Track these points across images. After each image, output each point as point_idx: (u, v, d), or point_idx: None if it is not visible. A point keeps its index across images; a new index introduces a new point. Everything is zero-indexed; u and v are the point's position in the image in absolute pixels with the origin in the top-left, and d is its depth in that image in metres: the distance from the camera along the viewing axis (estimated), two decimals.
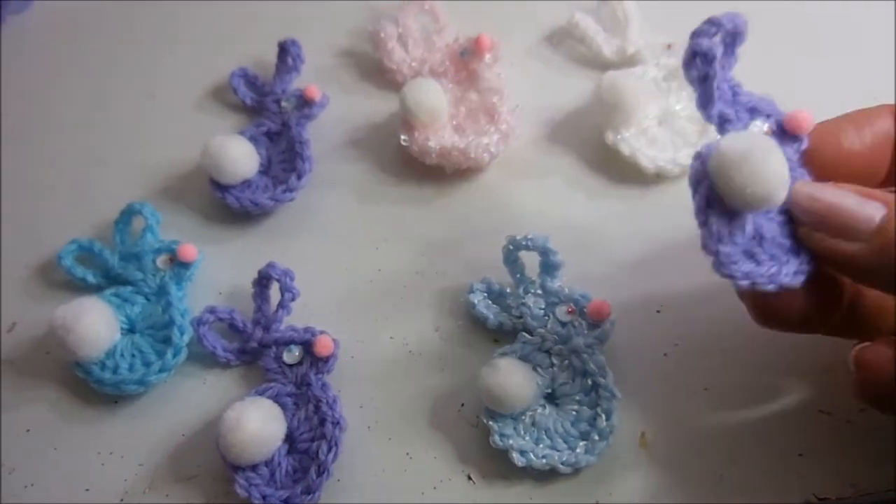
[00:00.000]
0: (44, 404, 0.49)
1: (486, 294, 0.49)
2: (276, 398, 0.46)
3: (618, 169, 0.54)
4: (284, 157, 0.56)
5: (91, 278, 0.52)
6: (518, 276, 0.48)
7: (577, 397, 0.45)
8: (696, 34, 0.37)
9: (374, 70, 0.61)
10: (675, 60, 0.56)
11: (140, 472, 0.46)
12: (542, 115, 0.58)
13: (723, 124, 0.39)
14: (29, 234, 0.56)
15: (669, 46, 0.57)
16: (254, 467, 0.44)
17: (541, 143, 0.57)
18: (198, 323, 0.49)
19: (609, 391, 0.44)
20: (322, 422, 0.45)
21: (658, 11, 0.60)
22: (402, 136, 0.54)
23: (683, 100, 0.55)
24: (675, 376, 0.46)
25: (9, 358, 0.51)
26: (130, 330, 0.50)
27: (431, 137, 0.54)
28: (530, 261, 0.49)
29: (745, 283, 0.36)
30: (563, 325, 0.47)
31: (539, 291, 0.48)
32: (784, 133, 0.39)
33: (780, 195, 0.36)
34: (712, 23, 0.37)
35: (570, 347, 0.46)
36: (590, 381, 0.45)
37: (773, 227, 0.37)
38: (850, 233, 0.36)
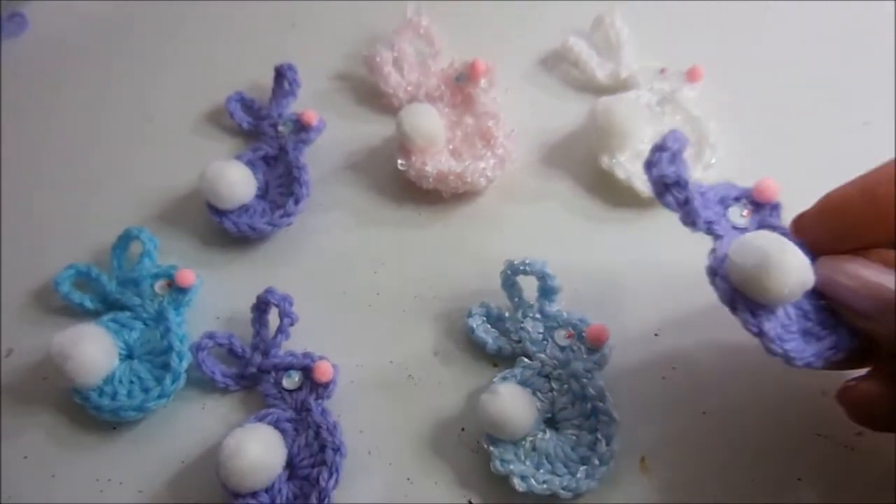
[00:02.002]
0: (41, 431, 0.49)
1: (484, 318, 0.49)
2: (275, 424, 0.46)
3: (613, 192, 0.54)
4: (282, 181, 0.56)
5: (88, 304, 0.52)
6: (516, 300, 0.49)
7: (577, 422, 0.45)
8: (653, 167, 0.39)
9: (370, 94, 0.61)
10: (669, 85, 0.57)
11: (139, 500, 0.46)
12: (536, 139, 0.58)
13: (710, 229, 0.40)
14: (25, 260, 0.56)
15: (663, 71, 0.58)
16: (254, 494, 0.44)
17: (536, 166, 0.57)
18: (196, 348, 0.49)
19: (609, 416, 0.44)
20: (322, 448, 0.45)
21: (651, 36, 0.60)
22: (399, 161, 0.55)
23: (677, 124, 0.56)
24: (673, 400, 0.46)
25: (5, 384, 0.51)
26: (129, 356, 0.50)
27: (428, 162, 0.54)
28: (528, 285, 0.49)
29: (820, 364, 0.38)
30: (562, 349, 0.47)
31: (538, 316, 0.48)
32: (760, 205, 0.41)
33: (807, 284, 0.37)
34: (662, 147, 0.38)
35: (569, 372, 0.46)
36: (589, 406, 0.45)
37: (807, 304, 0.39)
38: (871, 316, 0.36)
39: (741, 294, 0.37)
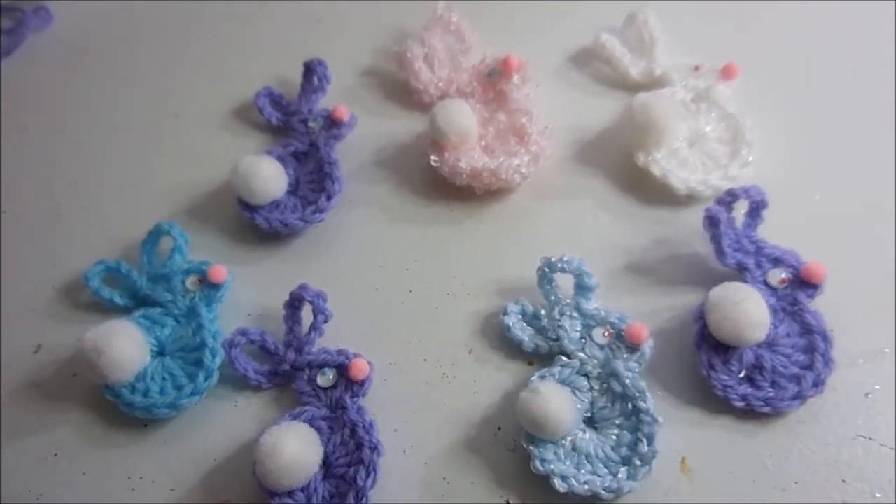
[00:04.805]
0: (71, 428, 0.48)
1: (520, 316, 0.49)
2: (310, 422, 0.45)
3: (648, 190, 0.54)
4: (313, 177, 0.55)
5: (119, 300, 0.51)
6: (552, 298, 0.48)
7: (618, 422, 0.44)
8: (715, 201, 0.48)
9: (400, 90, 0.61)
10: (704, 82, 0.56)
11: (172, 498, 0.46)
12: (568, 136, 0.57)
13: (741, 271, 0.48)
14: (55, 255, 0.55)
15: (697, 68, 0.57)
16: (290, 493, 0.43)
17: (569, 163, 0.56)
18: (229, 345, 0.48)
19: (650, 416, 0.44)
20: (359, 446, 0.44)
21: (684, 33, 0.60)
22: (433, 157, 0.54)
23: (713, 121, 0.55)
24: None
25: (35, 381, 0.50)
26: (160, 352, 0.49)
27: (462, 158, 0.53)
28: (563, 282, 0.48)
29: (741, 404, 0.44)
30: (601, 348, 0.46)
31: (574, 314, 0.47)
32: (801, 281, 0.47)
33: (755, 335, 0.44)
34: (730, 193, 0.48)
35: (609, 371, 0.45)
36: (630, 406, 0.44)
37: (775, 358, 0.45)
38: None
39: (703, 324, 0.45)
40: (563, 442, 0.44)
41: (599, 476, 0.43)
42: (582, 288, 0.48)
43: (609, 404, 0.45)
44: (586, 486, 0.42)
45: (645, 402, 0.44)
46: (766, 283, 0.47)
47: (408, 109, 0.60)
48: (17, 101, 0.64)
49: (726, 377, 0.45)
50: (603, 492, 0.42)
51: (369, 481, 0.43)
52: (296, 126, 0.57)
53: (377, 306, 0.51)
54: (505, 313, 0.49)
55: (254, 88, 0.60)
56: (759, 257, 0.48)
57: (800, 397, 0.44)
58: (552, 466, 0.43)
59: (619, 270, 0.51)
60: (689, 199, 0.53)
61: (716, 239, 0.48)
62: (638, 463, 0.43)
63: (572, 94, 0.60)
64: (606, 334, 0.47)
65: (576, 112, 0.59)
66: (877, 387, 0.45)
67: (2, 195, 0.59)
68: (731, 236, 0.48)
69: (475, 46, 0.60)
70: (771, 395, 0.44)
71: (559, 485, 0.42)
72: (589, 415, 0.45)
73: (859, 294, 0.48)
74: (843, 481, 0.43)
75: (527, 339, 0.48)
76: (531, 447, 0.43)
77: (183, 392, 0.47)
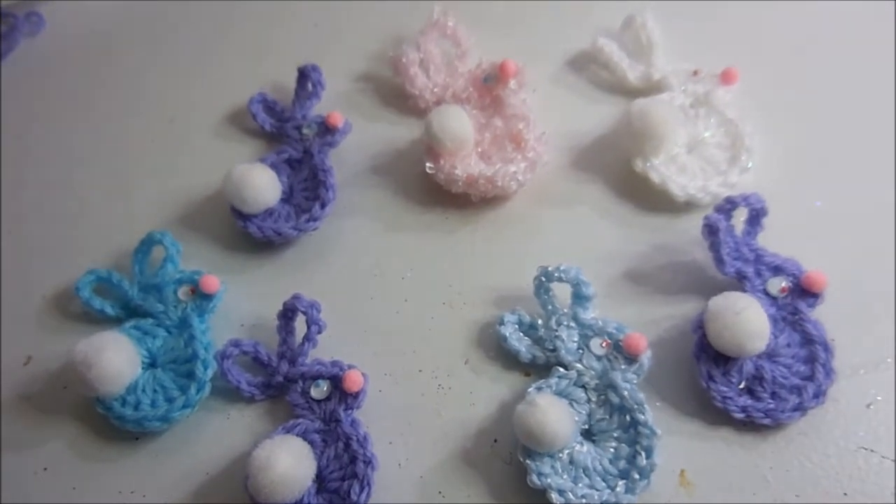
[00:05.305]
0: (62, 441, 0.48)
1: (517, 326, 0.48)
2: (304, 435, 0.44)
3: (646, 197, 0.53)
4: (307, 185, 0.55)
5: (110, 310, 0.50)
6: (549, 307, 0.47)
7: (616, 434, 0.44)
8: (714, 209, 0.48)
9: (395, 96, 0.60)
10: (702, 87, 0.56)
11: None
12: (566, 142, 0.57)
13: (741, 279, 0.47)
14: (44, 265, 0.55)
15: (696, 73, 0.56)
16: None
17: (566, 170, 0.56)
18: (222, 357, 0.47)
19: (649, 428, 0.43)
20: (353, 460, 0.44)
21: (682, 37, 0.59)
22: (428, 164, 0.53)
23: (712, 127, 0.54)
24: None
25: (25, 393, 0.50)
26: (152, 364, 0.49)
27: (458, 165, 0.53)
28: (560, 291, 0.48)
29: (740, 416, 0.44)
30: (599, 358, 0.46)
31: (572, 324, 0.47)
32: (802, 290, 0.46)
33: (755, 346, 0.43)
34: (729, 201, 0.48)
35: (606, 382, 0.45)
36: (628, 418, 0.44)
37: (775, 369, 0.45)
38: None
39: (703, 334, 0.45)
40: (561, 455, 0.43)
41: (597, 490, 0.42)
42: (579, 297, 0.47)
43: (607, 416, 0.44)
44: (584, 500, 0.42)
45: (643, 413, 0.43)
46: (765, 292, 0.47)
47: (403, 115, 0.59)
48: (9, 106, 0.64)
49: (726, 388, 0.44)
50: None
51: (363, 495, 0.42)
52: (290, 133, 0.57)
53: (372, 316, 0.51)
54: (501, 323, 0.48)
55: (249, 94, 0.59)
56: (759, 266, 0.47)
57: (800, 408, 0.44)
58: (549, 480, 0.42)
59: (616, 279, 0.51)
60: (687, 206, 0.52)
61: (715, 247, 0.47)
62: (636, 476, 0.42)
63: (570, 99, 0.59)
64: (604, 345, 0.46)
65: (573, 117, 0.58)
66: (878, 397, 0.45)
67: None
68: (731, 244, 0.48)
69: (471, 51, 0.60)
70: (771, 406, 0.43)
71: (556, 499, 0.42)
72: (586, 427, 0.44)
73: (861, 303, 0.48)
74: (845, 494, 0.42)
75: (523, 349, 0.47)
76: (528, 460, 0.43)
77: (175, 404, 0.46)
